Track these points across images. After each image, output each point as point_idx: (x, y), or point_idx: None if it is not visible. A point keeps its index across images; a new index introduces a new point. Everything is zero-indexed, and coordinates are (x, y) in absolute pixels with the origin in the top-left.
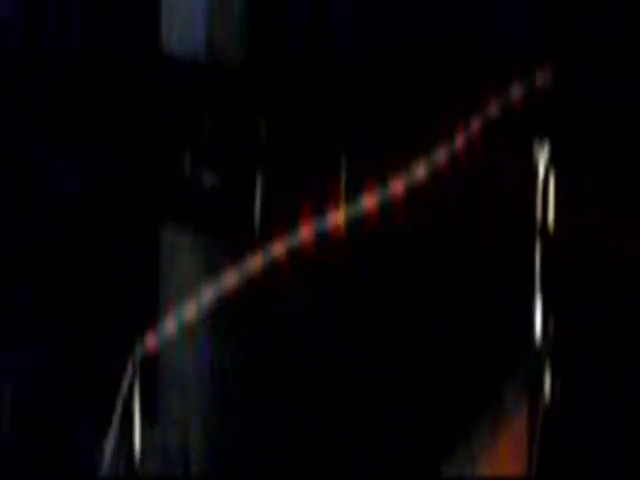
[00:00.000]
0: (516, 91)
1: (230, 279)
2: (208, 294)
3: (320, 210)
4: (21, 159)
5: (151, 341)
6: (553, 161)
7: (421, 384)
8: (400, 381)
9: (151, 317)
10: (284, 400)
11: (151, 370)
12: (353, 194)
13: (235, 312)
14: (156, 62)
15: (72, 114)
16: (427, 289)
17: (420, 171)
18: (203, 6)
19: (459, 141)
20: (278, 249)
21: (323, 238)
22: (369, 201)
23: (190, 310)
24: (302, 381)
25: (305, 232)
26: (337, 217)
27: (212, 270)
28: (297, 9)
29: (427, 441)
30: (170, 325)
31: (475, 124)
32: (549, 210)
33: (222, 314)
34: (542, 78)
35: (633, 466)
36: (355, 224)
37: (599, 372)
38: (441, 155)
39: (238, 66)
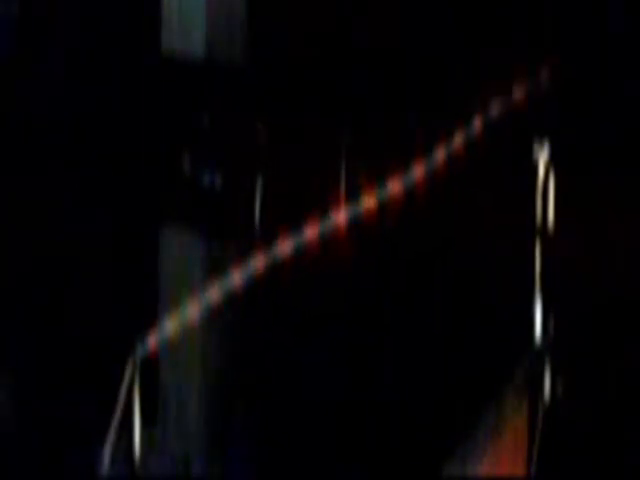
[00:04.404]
0: (516, 91)
1: (231, 279)
2: (209, 294)
3: (321, 210)
4: (16, 159)
5: (151, 341)
6: (553, 161)
7: (421, 384)
8: (400, 381)
9: (151, 317)
10: (284, 400)
11: (151, 370)
12: (353, 194)
13: (236, 312)
14: (156, 62)
15: (72, 115)
16: (426, 289)
17: (420, 171)
18: (203, 6)
19: (458, 141)
20: (280, 249)
21: (325, 238)
22: (368, 201)
23: (190, 310)
24: (301, 381)
25: (307, 232)
26: (338, 217)
27: (212, 270)
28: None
29: (427, 441)
30: (170, 325)
31: (475, 124)
32: (549, 210)
33: (223, 314)
34: (542, 78)
35: (633, 466)
36: (355, 224)
37: (599, 372)
38: (441, 155)
39: (238, 66)
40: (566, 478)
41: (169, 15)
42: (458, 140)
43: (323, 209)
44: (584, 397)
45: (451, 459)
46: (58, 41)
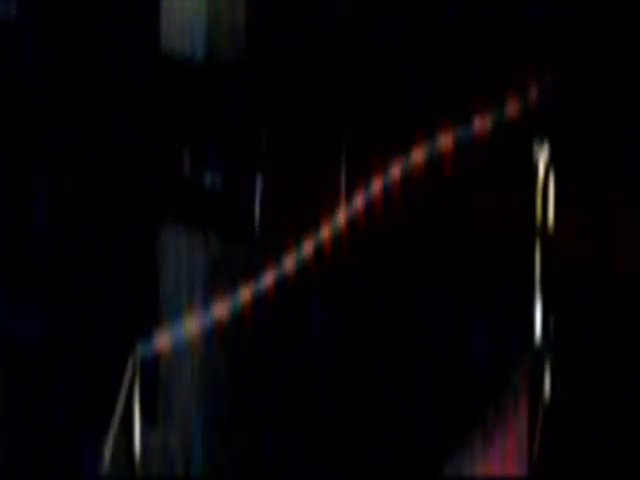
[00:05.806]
0: (516, 91)
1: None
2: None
3: (321, 210)
4: (16, 160)
5: (151, 341)
6: (553, 161)
7: (420, 383)
8: (399, 381)
9: (151, 317)
10: (284, 402)
11: (151, 370)
12: (353, 194)
13: (237, 312)
14: (156, 62)
15: (71, 113)
16: (426, 289)
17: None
18: (203, 7)
19: (458, 141)
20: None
21: (324, 238)
22: (367, 200)
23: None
24: (300, 382)
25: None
26: (338, 217)
27: (212, 270)
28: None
29: (427, 441)
30: (170, 325)
31: (475, 124)
32: (549, 210)
33: (224, 314)
34: (542, 79)
35: (633, 466)
36: (355, 223)
37: (599, 372)
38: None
39: (238, 66)
40: (566, 478)
41: (169, 15)
42: (458, 140)
43: (323, 209)
44: (584, 397)
45: (451, 459)
46: (57, 41)
